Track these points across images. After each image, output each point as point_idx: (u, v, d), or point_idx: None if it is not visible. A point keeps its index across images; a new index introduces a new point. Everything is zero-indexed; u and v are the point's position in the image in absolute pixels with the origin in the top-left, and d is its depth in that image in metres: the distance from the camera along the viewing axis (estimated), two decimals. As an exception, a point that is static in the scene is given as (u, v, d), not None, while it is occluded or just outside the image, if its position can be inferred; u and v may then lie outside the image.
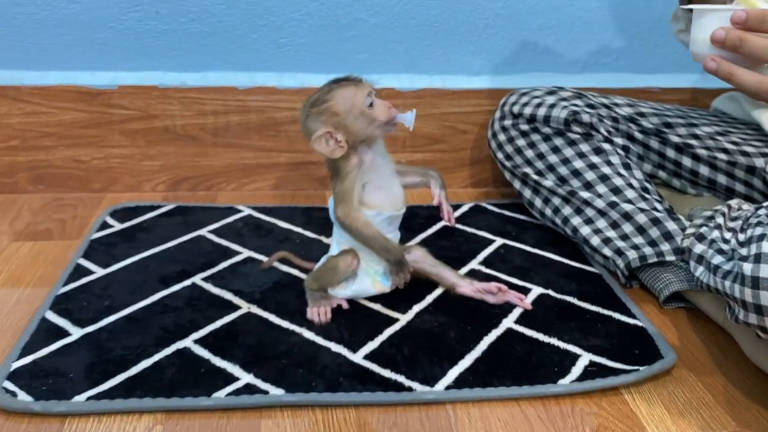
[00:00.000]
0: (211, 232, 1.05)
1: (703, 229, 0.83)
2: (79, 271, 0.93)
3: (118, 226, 1.06)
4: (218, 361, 0.75)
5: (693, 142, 1.03)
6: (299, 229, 1.08)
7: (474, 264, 0.99)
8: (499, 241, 1.06)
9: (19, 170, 1.18)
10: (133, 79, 1.16)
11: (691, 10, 0.78)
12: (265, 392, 0.71)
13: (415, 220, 1.11)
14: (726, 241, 0.75)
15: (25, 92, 1.14)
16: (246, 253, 0.99)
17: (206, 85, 1.17)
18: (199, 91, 1.17)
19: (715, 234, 0.78)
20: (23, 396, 0.69)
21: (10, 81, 1.14)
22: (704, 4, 0.73)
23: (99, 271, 0.93)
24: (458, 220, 1.12)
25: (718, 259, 0.72)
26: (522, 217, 1.14)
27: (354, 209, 0.82)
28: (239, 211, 1.13)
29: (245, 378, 0.73)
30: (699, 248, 0.80)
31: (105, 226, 1.06)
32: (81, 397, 0.69)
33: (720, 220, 0.81)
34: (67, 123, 1.16)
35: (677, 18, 0.93)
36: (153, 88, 1.16)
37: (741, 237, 0.72)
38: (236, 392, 0.70)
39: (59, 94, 1.15)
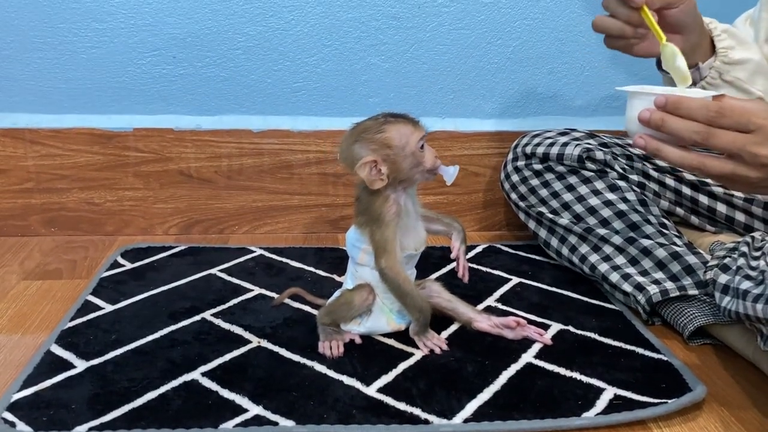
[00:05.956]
0: (222, 271, 1.04)
1: (727, 260, 0.80)
2: (87, 307, 0.91)
3: (128, 265, 1.05)
4: (226, 393, 0.72)
5: (708, 179, 1.02)
6: (311, 268, 1.06)
7: (490, 301, 0.96)
8: (515, 280, 1.03)
9: (33, 213, 1.18)
10: (148, 122, 1.17)
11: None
12: (275, 423, 0.68)
13: (428, 260, 1.09)
14: (753, 268, 0.73)
15: (41, 135, 1.15)
16: (257, 290, 0.97)
17: (221, 128, 1.18)
18: (213, 134, 1.18)
19: (741, 261, 0.76)
20: (22, 426, 0.66)
21: (27, 124, 1.15)
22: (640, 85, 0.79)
23: (107, 307, 0.91)
24: (472, 260, 1.10)
25: (746, 284, 0.70)
26: (537, 257, 1.12)
27: (398, 262, 0.81)
28: (251, 251, 1.12)
29: (254, 410, 0.70)
30: (724, 278, 0.77)
31: (115, 265, 1.05)
32: (82, 428, 0.66)
33: (745, 249, 0.79)
34: (82, 165, 1.17)
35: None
36: (168, 131, 1.17)
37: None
38: (244, 423, 0.67)
39: (75, 137, 1.16)
